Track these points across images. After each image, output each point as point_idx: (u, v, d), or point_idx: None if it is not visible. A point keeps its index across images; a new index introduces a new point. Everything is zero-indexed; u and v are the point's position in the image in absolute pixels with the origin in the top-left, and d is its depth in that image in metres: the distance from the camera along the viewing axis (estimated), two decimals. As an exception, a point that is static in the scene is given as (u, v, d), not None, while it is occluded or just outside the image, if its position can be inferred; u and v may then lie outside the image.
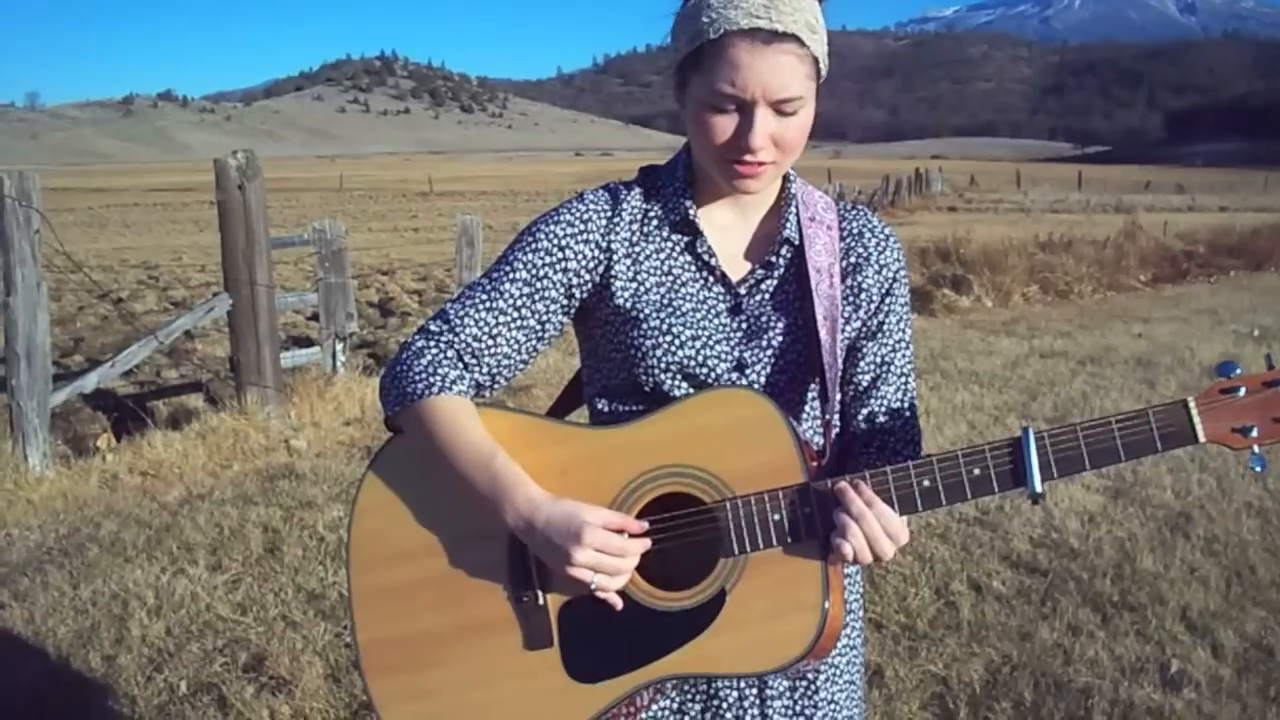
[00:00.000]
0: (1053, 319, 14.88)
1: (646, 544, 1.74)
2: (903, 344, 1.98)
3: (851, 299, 1.94)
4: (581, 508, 1.71)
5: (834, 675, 2.00)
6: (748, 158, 1.76)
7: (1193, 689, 4.29)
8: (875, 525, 1.69)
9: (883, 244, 1.97)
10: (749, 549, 1.73)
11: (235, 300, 8.84)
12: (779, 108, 1.75)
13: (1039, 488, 1.69)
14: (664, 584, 1.76)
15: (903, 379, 1.96)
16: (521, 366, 1.92)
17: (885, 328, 1.96)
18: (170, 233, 40.73)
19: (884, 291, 1.95)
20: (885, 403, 1.95)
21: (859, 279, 1.94)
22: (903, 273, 1.98)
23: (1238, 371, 1.68)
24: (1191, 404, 1.68)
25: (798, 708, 1.96)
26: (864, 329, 1.95)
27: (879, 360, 1.95)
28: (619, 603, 1.74)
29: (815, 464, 1.78)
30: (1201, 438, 1.67)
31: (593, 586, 1.71)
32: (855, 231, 1.97)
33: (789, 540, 1.72)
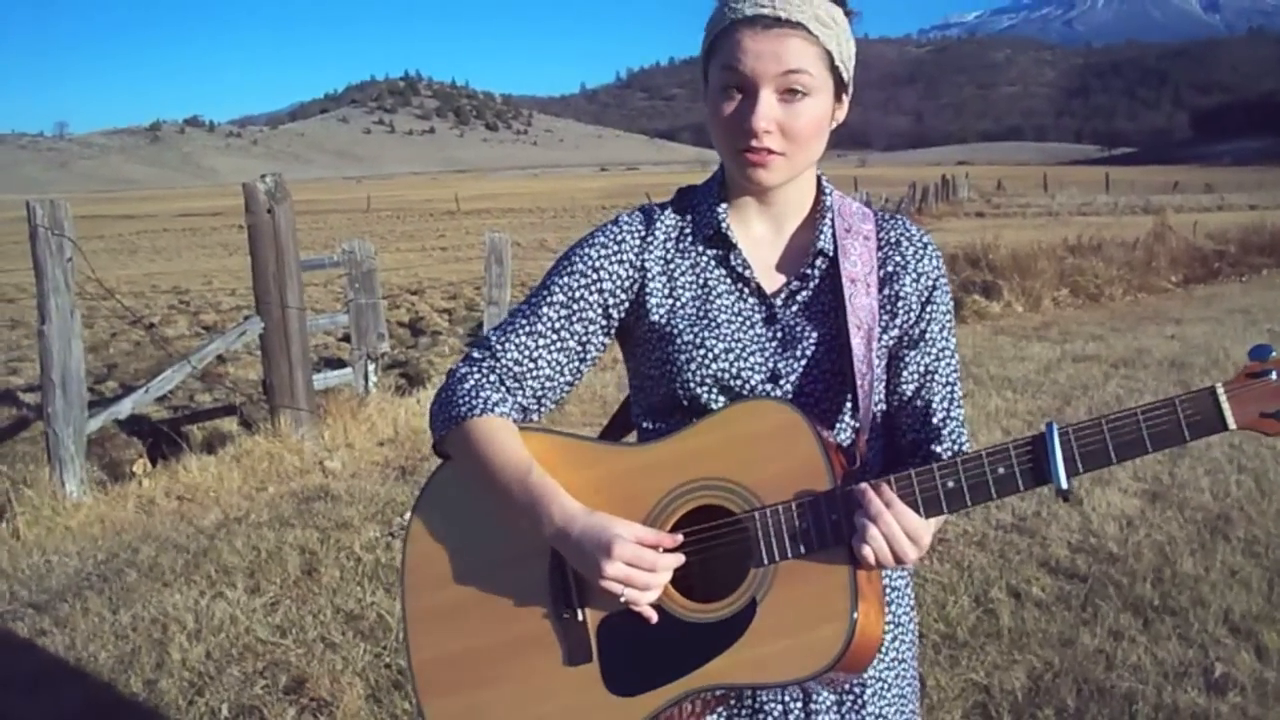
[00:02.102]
0: (1084, 322, 14.80)
1: (678, 559, 1.75)
2: (946, 352, 1.97)
3: (889, 308, 1.93)
4: (614, 521, 1.73)
5: (882, 690, 1.98)
6: (754, 143, 1.78)
7: (1237, 692, 4.25)
8: (893, 525, 1.68)
9: (920, 252, 1.96)
10: (778, 558, 1.73)
11: (267, 323, 8.89)
12: (784, 88, 1.77)
13: (1064, 483, 1.66)
14: (700, 596, 1.77)
15: (948, 388, 1.96)
16: (566, 388, 1.96)
17: (928, 336, 1.95)
18: (200, 257, 40.96)
19: (923, 300, 1.95)
20: (931, 411, 1.94)
21: (896, 288, 1.94)
22: (943, 280, 1.98)
23: (1273, 355, 1.64)
24: (1220, 390, 1.63)
25: None
26: (905, 338, 1.94)
27: (922, 369, 1.95)
28: (654, 616, 1.75)
29: (844, 471, 1.78)
30: (1231, 424, 1.63)
31: (623, 600, 1.73)
32: (892, 240, 1.97)
33: (817, 548, 1.72)
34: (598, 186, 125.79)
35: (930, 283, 1.96)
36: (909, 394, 1.95)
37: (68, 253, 7.41)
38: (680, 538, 1.76)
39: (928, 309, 1.95)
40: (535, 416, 1.94)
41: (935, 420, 1.94)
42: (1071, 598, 5.22)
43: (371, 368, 10.66)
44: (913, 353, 1.94)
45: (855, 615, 1.68)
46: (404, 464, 8.38)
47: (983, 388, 10.11)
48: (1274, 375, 1.63)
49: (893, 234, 1.98)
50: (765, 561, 1.74)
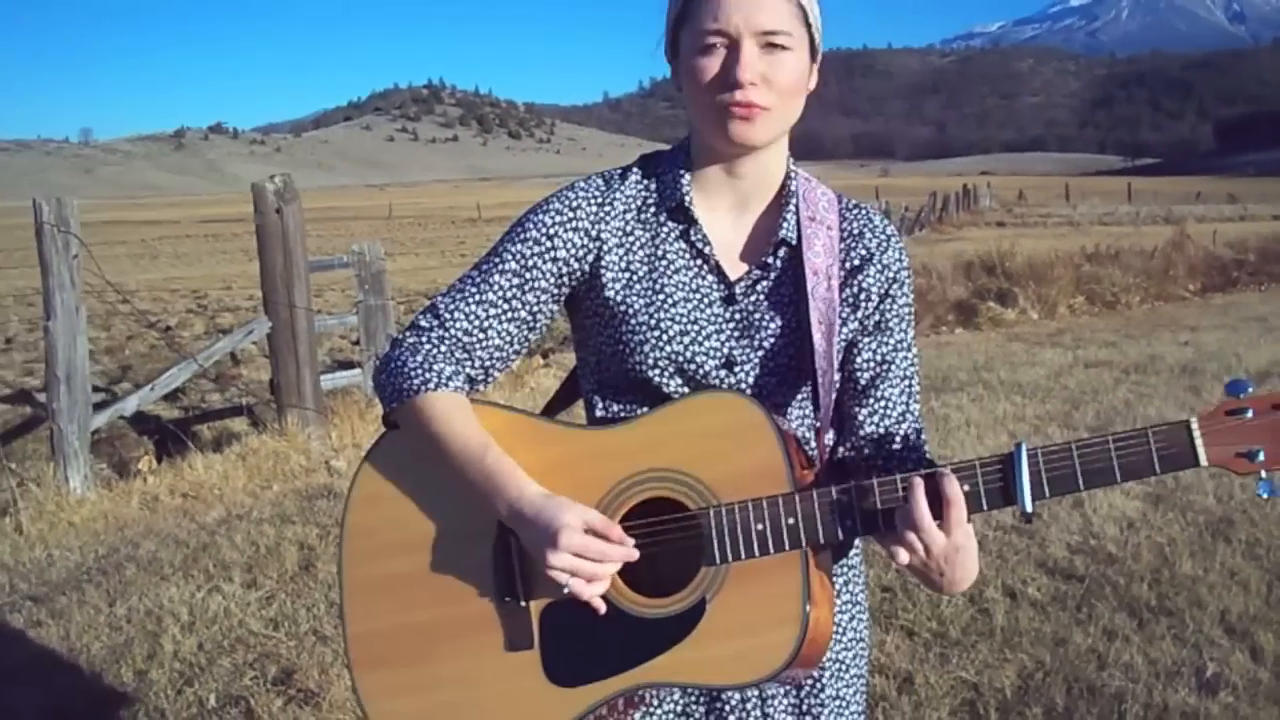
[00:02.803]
0: (1099, 329, 14.74)
1: (630, 553, 1.71)
2: (904, 345, 1.93)
3: (851, 300, 1.90)
4: (565, 509, 1.69)
5: (839, 670, 1.97)
6: (739, 95, 1.74)
7: (1229, 692, 4.21)
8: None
9: (884, 244, 1.93)
10: (730, 558, 1.70)
11: (274, 323, 8.93)
12: (765, 43, 1.74)
13: (1029, 507, 1.63)
14: (648, 590, 1.74)
15: (905, 381, 1.92)
16: (513, 358, 1.91)
17: (885, 326, 1.91)
18: (220, 262, 41.11)
19: (883, 292, 1.91)
20: (887, 403, 1.90)
21: (859, 279, 1.90)
22: (905, 273, 1.94)
23: (1249, 391, 1.62)
24: (1194, 425, 1.61)
25: (804, 705, 1.94)
26: (862, 327, 1.91)
27: (879, 359, 1.90)
28: (601, 607, 1.72)
29: (806, 472, 1.76)
30: (1203, 461, 1.61)
31: (566, 591, 1.69)
32: (856, 231, 1.93)
33: (772, 551, 1.69)
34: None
35: (892, 275, 1.92)
36: (863, 383, 1.90)
37: (74, 249, 7.44)
38: (627, 537, 1.72)
39: (886, 301, 1.91)
40: (482, 387, 1.90)
41: (893, 415, 1.90)
42: (1067, 598, 5.18)
43: (380, 369, 10.66)
44: (869, 340, 1.91)
45: (807, 621, 1.66)
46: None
47: (992, 392, 10.08)
48: (1250, 414, 1.60)
49: (856, 225, 1.94)
50: (717, 560, 1.71)
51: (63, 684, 4.71)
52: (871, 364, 1.90)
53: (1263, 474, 1.61)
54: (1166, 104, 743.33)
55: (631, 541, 1.71)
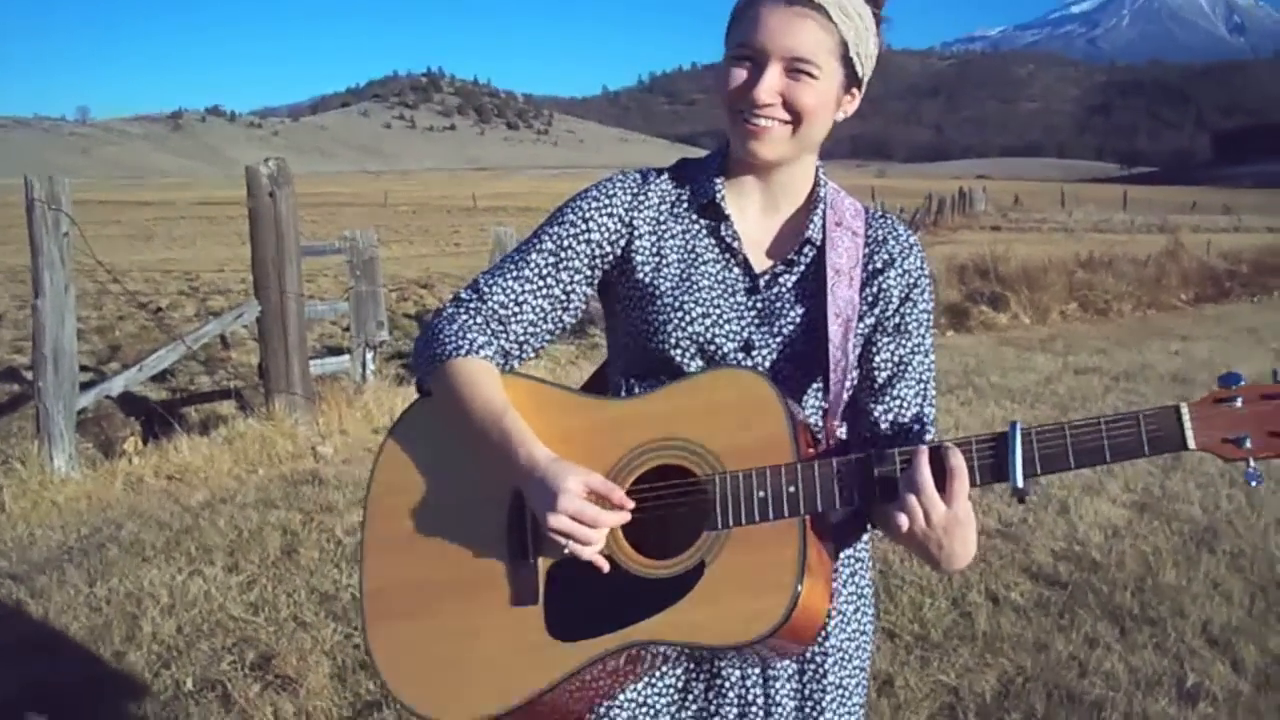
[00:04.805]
0: (1091, 336, 14.75)
1: (623, 516, 1.77)
2: (921, 349, 1.98)
3: (870, 300, 1.97)
4: (568, 472, 1.75)
5: (843, 660, 2.03)
6: (756, 111, 1.83)
7: (1209, 703, 4.21)
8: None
9: (906, 250, 2.00)
10: (732, 524, 1.75)
11: (265, 307, 8.90)
12: (791, 68, 1.82)
13: (1020, 482, 1.68)
14: (654, 553, 1.79)
15: (921, 384, 1.96)
16: (547, 337, 2.01)
17: (904, 328, 1.97)
18: (215, 245, 40.90)
19: (904, 296, 1.97)
20: (902, 402, 1.94)
21: (880, 281, 1.97)
22: (925, 280, 2.00)
23: (1242, 383, 1.65)
24: (1184, 409, 1.65)
25: (806, 691, 1.99)
26: (880, 326, 1.96)
27: (896, 359, 1.96)
28: (605, 565, 1.78)
29: (811, 450, 1.80)
30: (1191, 444, 1.64)
31: (565, 551, 1.76)
32: (880, 238, 2.00)
33: (771, 517, 1.74)
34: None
35: (913, 280, 1.98)
36: (880, 382, 1.95)
37: (64, 228, 7.40)
38: (628, 500, 1.79)
39: (906, 304, 1.97)
40: (516, 363, 1.98)
41: (907, 415, 1.94)
42: (1050, 604, 5.18)
43: (370, 356, 10.66)
44: (887, 340, 1.96)
45: (799, 588, 1.69)
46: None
47: (982, 396, 10.09)
48: (1239, 403, 1.65)
49: (880, 232, 2.01)
50: (719, 526, 1.76)
51: (41, 664, 4.68)
52: (889, 364, 1.96)
53: (1251, 462, 1.65)
54: (1165, 113, 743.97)
55: (632, 505, 1.78)
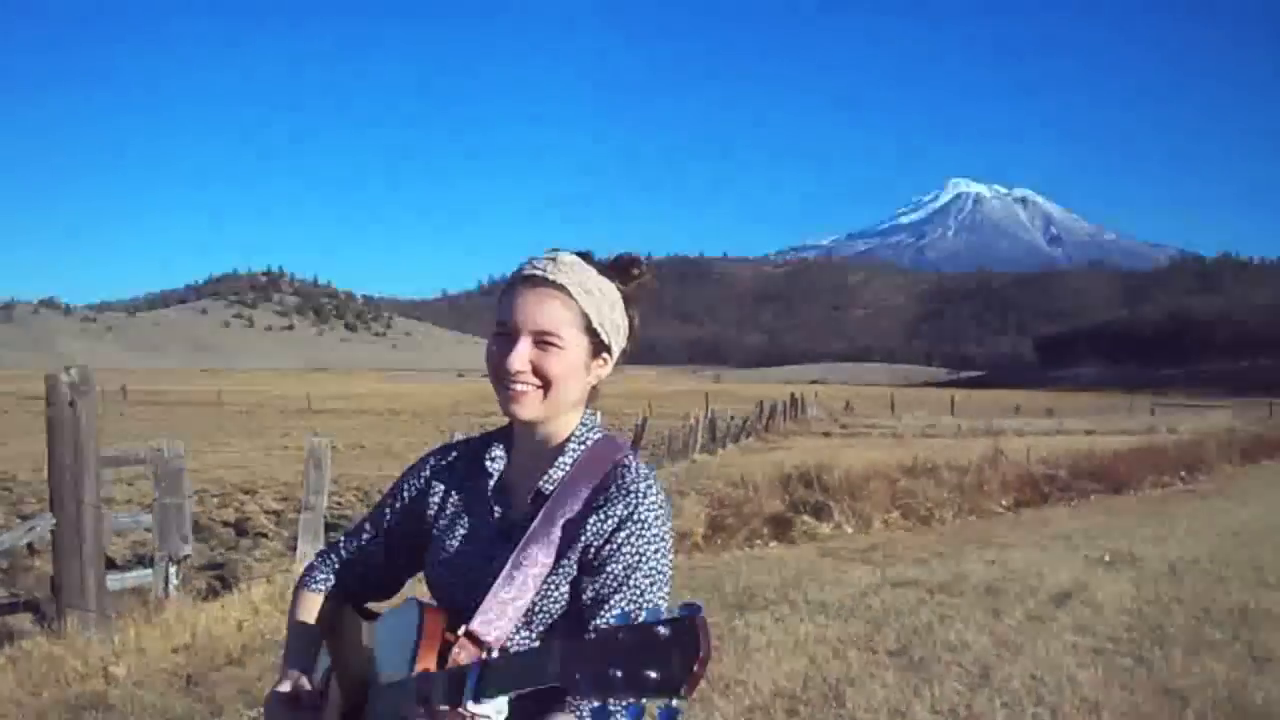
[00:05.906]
0: (911, 546, 14.92)
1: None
2: (623, 585, 2.07)
3: (582, 544, 2.12)
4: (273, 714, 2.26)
5: None
6: (512, 378, 2.12)
7: None
8: None
9: (627, 498, 2.14)
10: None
11: (60, 519, 8.53)
12: (539, 340, 2.11)
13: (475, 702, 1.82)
14: None
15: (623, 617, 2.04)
16: (378, 564, 2.43)
17: (606, 569, 2.09)
18: (39, 441, 39.50)
19: (606, 539, 2.11)
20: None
21: (590, 523, 2.13)
22: (632, 523, 2.12)
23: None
24: None
25: None
26: (584, 565, 2.12)
27: (592, 596, 2.08)
28: None
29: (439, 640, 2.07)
30: None
31: None
32: (605, 486, 2.17)
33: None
34: (449, 392, 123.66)
35: (616, 524, 2.12)
36: (584, 616, 2.07)
37: None
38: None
39: (607, 547, 2.10)
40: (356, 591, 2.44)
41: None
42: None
43: (174, 570, 10.23)
44: (588, 579, 2.10)
45: None
46: (193, 672, 7.94)
47: (796, 612, 10.03)
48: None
49: (610, 481, 2.18)
50: None
51: None
52: (590, 600, 2.08)
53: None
54: (990, 319, 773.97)
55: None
